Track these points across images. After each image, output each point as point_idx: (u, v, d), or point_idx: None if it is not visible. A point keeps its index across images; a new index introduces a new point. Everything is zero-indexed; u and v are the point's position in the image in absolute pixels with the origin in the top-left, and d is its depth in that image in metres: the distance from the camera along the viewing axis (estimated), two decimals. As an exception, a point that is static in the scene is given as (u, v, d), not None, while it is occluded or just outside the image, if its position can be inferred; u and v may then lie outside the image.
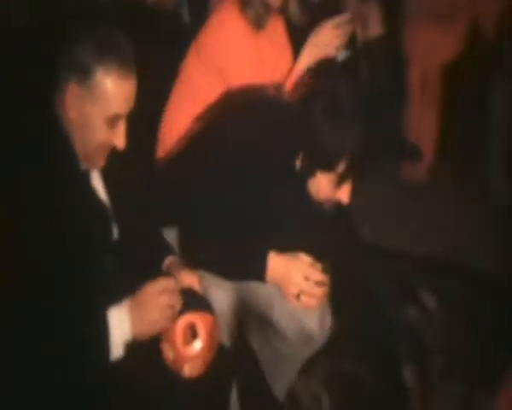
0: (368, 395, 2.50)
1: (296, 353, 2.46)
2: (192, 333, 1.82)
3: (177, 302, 1.81)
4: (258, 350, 2.60)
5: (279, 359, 2.52)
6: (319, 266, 2.08)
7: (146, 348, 1.80)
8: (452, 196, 4.11)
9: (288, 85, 2.50)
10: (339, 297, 2.37)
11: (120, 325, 1.74)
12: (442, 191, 4.15)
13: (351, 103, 2.03)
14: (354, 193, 2.15)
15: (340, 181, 2.07)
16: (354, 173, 2.06)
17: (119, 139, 1.83)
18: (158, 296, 1.78)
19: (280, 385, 2.60)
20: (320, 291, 2.08)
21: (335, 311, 2.42)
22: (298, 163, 2.10)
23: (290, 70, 2.55)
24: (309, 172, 2.09)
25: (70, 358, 1.72)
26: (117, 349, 1.74)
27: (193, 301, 1.86)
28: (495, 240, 3.73)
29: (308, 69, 2.49)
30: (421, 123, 4.21)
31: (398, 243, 3.72)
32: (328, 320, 2.38)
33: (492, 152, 4.05)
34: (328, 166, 2.05)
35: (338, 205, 2.14)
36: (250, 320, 2.58)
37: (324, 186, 2.10)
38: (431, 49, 4.01)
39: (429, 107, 4.20)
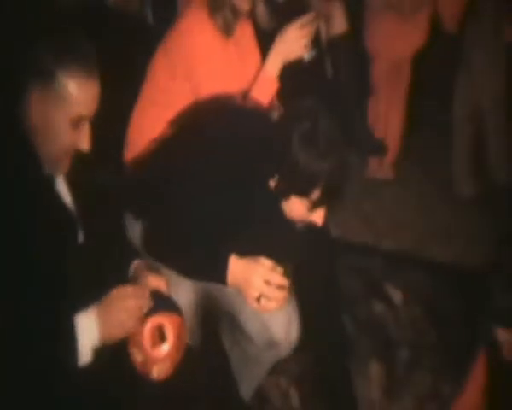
0: (335, 388, 2.52)
1: (262, 356, 2.49)
2: (160, 335, 1.83)
3: (145, 305, 1.82)
4: (229, 349, 2.63)
5: (246, 360, 2.55)
6: (280, 269, 2.09)
7: (114, 353, 1.80)
8: (416, 191, 4.16)
9: (259, 93, 2.51)
10: (305, 295, 2.40)
11: (88, 331, 1.74)
12: (406, 186, 4.20)
13: (329, 133, 2.04)
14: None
15: (314, 206, 2.09)
16: (329, 200, 2.08)
17: (84, 141, 1.82)
18: (125, 300, 1.78)
19: (246, 386, 2.63)
20: (280, 295, 2.08)
21: (302, 309, 2.45)
22: (272, 183, 2.12)
23: (258, 74, 2.55)
24: (283, 195, 2.11)
25: (37, 365, 1.72)
26: (85, 355, 1.74)
27: (160, 302, 1.87)
28: (456, 232, 3.80)
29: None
30: (387, 119, 4.24)
31: (364, 238, 3.78)
32: (295, 330, 2.42)
33: (455, 147, 4.10)
34: (302, 193, 2.07)
35: (311, 226, 2.15)
36: (222, 319, 2.60)
37: (298, 209, 2.11)
38: (394, 43, 4.02)
39: (395, 102, 4.23)
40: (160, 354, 1.83)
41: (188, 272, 2.19)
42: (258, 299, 2.08)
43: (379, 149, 4.25)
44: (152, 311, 1.84)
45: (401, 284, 3.27)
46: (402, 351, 2.98)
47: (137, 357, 1.83)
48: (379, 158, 4.30)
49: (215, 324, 2.63)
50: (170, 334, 1.84)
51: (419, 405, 2.77)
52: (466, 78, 3.99)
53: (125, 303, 1.78)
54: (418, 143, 4.42)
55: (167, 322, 1.84)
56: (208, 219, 2.13)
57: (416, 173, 4.29)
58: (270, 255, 2.11)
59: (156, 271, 2.03)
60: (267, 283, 2.06)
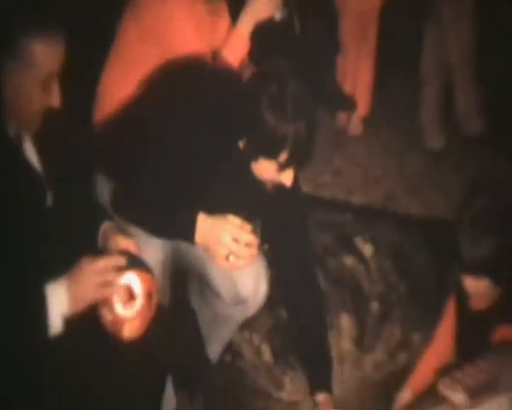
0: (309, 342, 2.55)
1: (231, 314, 2.51)
2: (130, 293, 1.84)
3: (116, 279, 1.82)
4: (198, 310, 2.65)
5: (215, 319, 2.57)
6: (248, 227, 2.10)
7: (85, 320, 1.80)
8: (386, 144, 4.18)
9: (229, 53, 2.50)
10: (277, 251, 2.42)
11: (58, 301, 1.74)
12: (376, 141, 4.22)
13: (297, 95, 2.03)
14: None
15: (282, 168, 2.09)
16: (297, 161, 2.08)
17: (54, 98, 1.81)
18: (96, 275, 1.78)
19: (215, 346, 2.66)
20: (249, 252, 2.09)
21: (274, 265, 2.47)
22: (241, 144, 2.11)
23: (229, 35, 2.54)
24: (251, 156, 2.11)
25: (7, 337, 1.71)
26: (56, 325, 1.74)
27: (130, 261, 1.87)
28: (426, 185, 3.84)
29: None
30: (357, 74, 4.25)
31: (334, 193, 3.80)
32: (263, 286, 2.44)
33: (424, 100, 4.12)
34: (270, 155, 2.06)
35: (280, 187, 2.15)
36: (191, 278, 2.62)
37: (267, 171, 2.11)
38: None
39: (364, 58, 4.23)
40: (130, 312, 1.83)
41: (157, 230, 2.19)
42: (227, 257, 2.09)
43: (348, 104, 4.27)
44: (122, 270, 1.84)
45: (371, 237, 3.30)
46: (373, 304, 3.02)
47: (108, 316, 1.83)
48: (348, 113, 4.32)
49: (184, 284, 2.65)
50: (140, 292, 1.84)
51: (390, 355, 2.82)
52: (435, 31, 4.00)
53: (96, 279, 1.77)
54: (387, 97, 4.43)
55: (137, 280, 1.85)
56: (177, 178, 2.12)
57: (386, 127, 4.32)
58: (238, 214, 2.11)
59: (125, 232, 2.02)
60: (235, 240, 2.06)
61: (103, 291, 1.79)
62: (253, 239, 2.08)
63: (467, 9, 3.92)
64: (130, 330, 1.84)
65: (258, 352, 2.82)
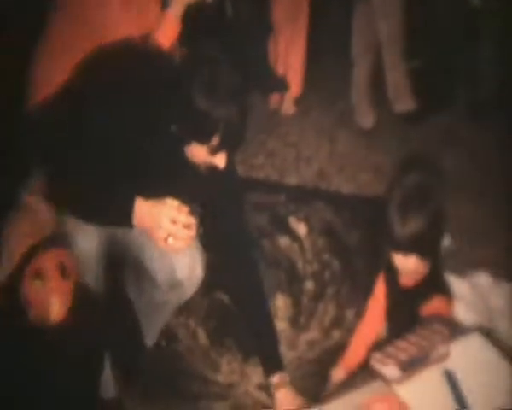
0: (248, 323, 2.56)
1: (167, 299, 2.51)
2: (47, 273, 1.82)
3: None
4: (134, 300, 2.63)
5: (152, 307, 2.57)
6: (185, 208, 2.10)
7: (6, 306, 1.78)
8: (318, 124, 4.21)
9: (161, 36, 2.47)
10: (213, 234, 2.42)
11: None
12: (308, 121, 4.24)
13: (229, 79, 2.02)
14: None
15: (214, 152, 2.08)
16: (229, 145, 2.08)
17: None
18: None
19: (151, 332, 2.66)
20: (188, 233, 2.09)
21: (207, 247, 2.47)
22: (174, 128, 2.10)
23: (160, 17, 2.51)
24: (184, 140, 2.10)
25: None
26: None
27: (50, 241, 1.85)
28: (358, 163, 3.89)
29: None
30: (288, 55, 4.25)
31: (268, 174, 3.81)
32: (199, 269, 2.45)
33: (355, 79, 4.14)
34: (202, 139, 2.06)
35: (214, 169, 2.15)
36: (127, 270, 2.59)
37: (199, 154, 2.11)
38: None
39: (296, 38, 4.23)
40: (52, 291, 1.81)
41: (93, 217, 2.17)
42: (166, 239, 2.09)
43: (280, 85, 4.28)
44: (41, 249, 1.81)
45: (305, 217, 3.33)
46: (307, 283, 3.05)
47: (31, 296, 1.81)
48: (281, 94, 4.33)
49: (120, 271, 2.63)
50: (50, 272, 1.82)
51: (324, 333, 2.85)
52: (364, 10, 4.01)
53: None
54: (319, 77, 4.45)
55: (56, 260, 1.83)
56: (113, 163, 2.10)
57: (318, 107, 4.32)
58: (175, 197, 2.11)
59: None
60: (174, 222, 2.07)
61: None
62: (190, 220, 2.09)
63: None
64: (54, 312, 1.81)
65: (194, 335, 2.82)
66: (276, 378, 2.34)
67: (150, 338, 2.67)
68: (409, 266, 2.16)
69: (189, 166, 2.16)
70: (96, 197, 2.10)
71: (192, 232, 2.10)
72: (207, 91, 2.00)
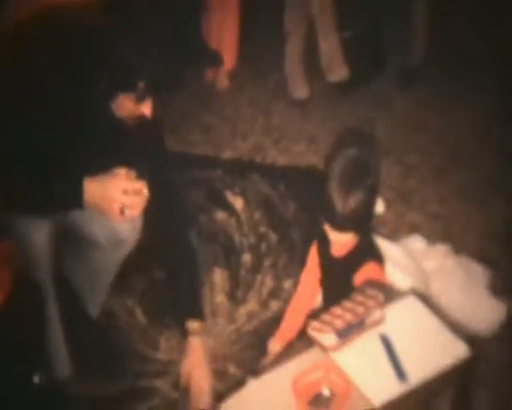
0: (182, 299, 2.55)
1: (108, 260, 2.48)
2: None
3: None
4: (71, 269, 2.59)
5: (92, 274, 2.53)
6: (133, 174, 2.09)
7: None
8: (253, 98, 4.19)
9: None
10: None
11: None
12: (243, 94, 4.22)
13: (158, 33, 2.01)
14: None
15: (140, 100, 2.05)
16: (155, 91, 2.05)
17: None
18: None
19: (94, 302, 2.62)
20: (140, 199, 2.09)
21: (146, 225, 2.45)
22: (102, 85, 2.05)
23: None
24: (110, 95, 2.05)
25: None
26: None
27: None
28: (294, 135, 3.89)
29: None
30: (222, 30, 4.21)
31: (204, 150, 3.79)
32: (139, 223, 2.41)
33: (288, 51, 4.13)
34: (127, 88, 2.02)
35: (142, 119, 2.11)
36: (68, 245, 2.55)
37: (125, 105, 2.06)
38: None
39: (229, 13, 4.20)
40: None
41: (40, 210, 2.13)
42: (122, 211, 2.07)
43: (214, 59, 4.23)
44: None
45: (241, 190, 3.32)
46: (244, 256, 3.05)
47: None
48: (215, 69, 4.30)
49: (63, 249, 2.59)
50: None
51: (262, 304, 2.85)
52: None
53: None
54: (253, 50, 4.43)
55: None
56: (52, 147, 2.06)
57: (252, 81, 4.31)
58: (119, 164, 2.09)
59: None
60: (125, 192, 2.06)
61: None
62: (140, 185, 2.08)
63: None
64: None
65: (131, 314, 2.80)
66: (192, 324, 2.33)
67: (95, 307, 2.63)
68: (343, 240, 2.17)
69: (121, 128, 2.14)
70: (42, 187, 2.06)
71: (144, 196, 2.09)
72: (133, 40, 1.98)
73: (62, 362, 2.42)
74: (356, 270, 2.19)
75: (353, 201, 2.08)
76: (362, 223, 2.16)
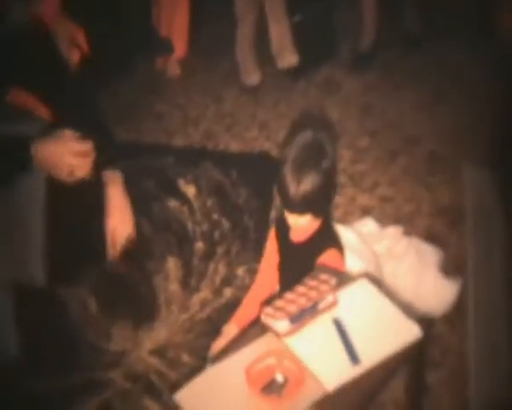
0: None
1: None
2: None
3: None
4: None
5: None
6: (77, 135, 2.09)
7: None
8: (204, 85, 4.18)
9: None
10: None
11: None
12: (195, 81, 4.20)
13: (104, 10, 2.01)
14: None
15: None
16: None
17: None
18: None
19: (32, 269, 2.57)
20: (88, 160, 2.10)
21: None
22: None
23: None
24: None
25: None
26: None
27: None
28: (246, 121, 3.89)
29: None
30: (172, 19, 4.19)
31: (156, 137, 3.76)
32: None
33: (238, 37, 4.12)
34: None
35: None
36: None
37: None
38: None
39: (179, 1, 4.17)
40: None
41: None
42: (71, 173, 2.11)
43: (165, 47, 4.23)
44: None
45: (193, 178, 3.31)
46: (197, 243, 3.03)
47: None
48: (166, 57, 4.27)
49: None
50: None
51: (216, 292, 2.84)
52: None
53: None
54: (204, 37, 4.42)
55: None
56: None
57: (203, 68, 4.31)
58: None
59: None
60: (74, 154, 2.08)
61: None
62: (87, 146, 2.12)
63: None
64: None
65: (84, 306, 2.76)
66: (107, 174, 2.34)
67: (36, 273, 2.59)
68: (302, 223, 2.16)
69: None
70: None
71: (91, 157, 2.12)
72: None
73: (9, 341, 2.39)
74: (316, 256, 2.18)
75: (307, 183, 2.07)
76: (318, 206, 2.15)
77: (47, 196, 2.32)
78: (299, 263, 2.23)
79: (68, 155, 2.08)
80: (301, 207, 2.11)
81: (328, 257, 2.18)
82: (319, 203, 2.15)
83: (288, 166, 2.10)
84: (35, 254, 2.56)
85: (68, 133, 2.09)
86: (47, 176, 2.25)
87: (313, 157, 2.11)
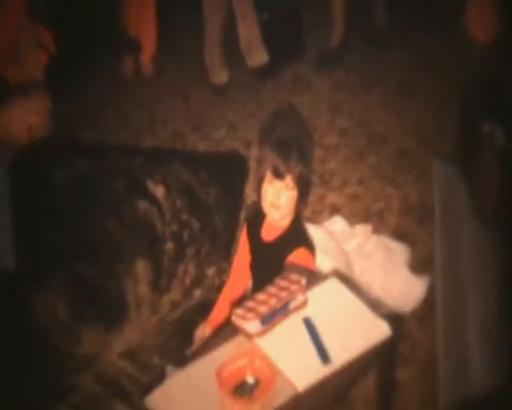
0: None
1: None
2: None
3: None
4: None
5: None
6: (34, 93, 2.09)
7: None
8: (172, 85, 4.16)
9: None
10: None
11: None
12: (163, 82, 4.18)
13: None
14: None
15: None
16: None
17: None
18: None
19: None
20: (46, 118, 2.11)
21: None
22: None
23: None
24: None
25: None
26: None
27: None
28: (214, 121, 3.87)
29: None
30: (140, 17, 4.16)
31: (123, 138, 3.73)
32: None
33: (207, 37, 4.10)
34: None
35: None
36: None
37: None
38: None
39: (147, 1, 4.15)
40: None
41: None
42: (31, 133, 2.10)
43: (132, 47, 4.20)
44: None
45: (162, 178, 3.29)
46: (167, 244, 3.02)
47: None
48: (134, 57, 4.24)
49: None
50: None
51: (186, 293, 2.84)
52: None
53: None
54: (171, 38, 4.39)
55: None
56: None
57: (171, 68, 4.27)
58: None
59: None
60: (34, 112, 2.09)
61: None
62: (44, 103, 2.11)
63: None
64: None
65: (53, 310, 2.74)
66: None
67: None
68: (283, 199, 2.17)
69: None
70: None
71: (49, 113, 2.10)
72: None
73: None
74: (286, 255, 2.19)
75: (296, 163, 2.12)
76: (303, 185, 2.18)
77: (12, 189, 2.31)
78: (271, 262, 2.24)
79: (27, 113, 2.05)
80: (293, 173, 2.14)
81: (298, 256, 2.19)
82: (303, 184, 2.18)
83: (271, 144, 2.15)
84: (4, 242, 2.55)
85: (23, 94, 2.08)
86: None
87: (292, 152, 2.14)
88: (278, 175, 2.14)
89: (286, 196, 2.16)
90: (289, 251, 2.19)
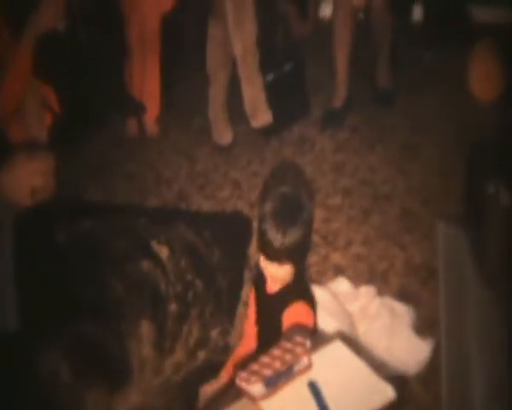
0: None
1: None
2: None
3: None
4: None
5: None
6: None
7: None
8: (177, 144, 4.20)
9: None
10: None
11: None
12: (168, 141, 4.22)
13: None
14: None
15: None
16: None
17: None
18: None
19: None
20: (51, 178, 2.13)
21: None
22: None
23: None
24: None
25: None
26: None
27: None
28: (218, 181, 3.90)
29: None
30: (144, 79, 4.21)
31: (128, 198, 3.75)
32: None
33: (211, 96, 4.15)
34: None
35: None
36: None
37: None
38: (147, 4, 4.01)
39: (150, 59, 4.20)
40: None
41: None
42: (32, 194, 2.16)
43: (137, 108, 4.24)
44: None
45: (166, 239, 3.29)
46: (171, 305, 3.01)
47: None
48: (139, 117, 4.28)
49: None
50: None
51: (190, 354, 2.82)
52: (218, 25, 4.01)
53: None
54: (176, 97, 4.44)
55: None
56: None
57: (176, 128, 4.31)
58: None
59: None
60: (37, 173, 2.12)
61: None
62: (48, 162, 2.13)
63: (248, 5, 3.98)
64: None
65: (56, 373, 2.71)
66: None
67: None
68: (281, 273, 2.17)
69: None
70: None
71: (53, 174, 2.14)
72: None
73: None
74: (285, 307, 2.20)
75: (292, 235, 2.10)
76: (300, 255, 2.19)
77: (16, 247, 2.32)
78: (272, 313, 2.24)
79: (31, 175, 2.06)
80: (284, 256, 2.13)
81: (296, 309, 2.20)
82: (300, 253, 2.18)
83: (268, 220, 2.12)
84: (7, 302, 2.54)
85: (27, 154, 2.10)
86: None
87: (293, 209, 2.15)
88: (269, 259, 2.16)
89: (283, 271, 2.17)
90: (288, 303, 2.20)
